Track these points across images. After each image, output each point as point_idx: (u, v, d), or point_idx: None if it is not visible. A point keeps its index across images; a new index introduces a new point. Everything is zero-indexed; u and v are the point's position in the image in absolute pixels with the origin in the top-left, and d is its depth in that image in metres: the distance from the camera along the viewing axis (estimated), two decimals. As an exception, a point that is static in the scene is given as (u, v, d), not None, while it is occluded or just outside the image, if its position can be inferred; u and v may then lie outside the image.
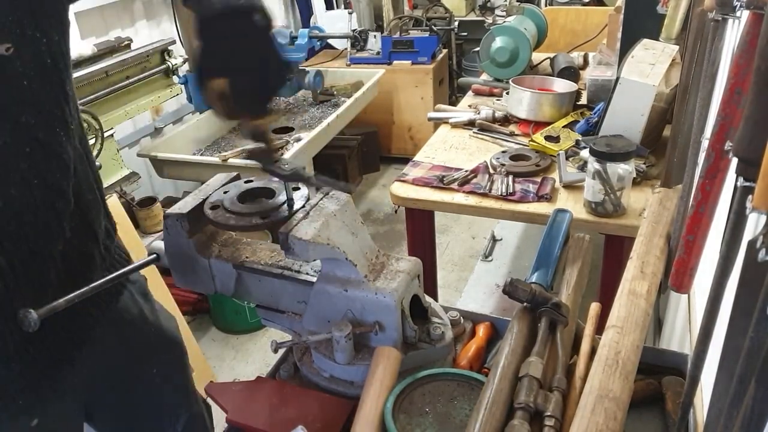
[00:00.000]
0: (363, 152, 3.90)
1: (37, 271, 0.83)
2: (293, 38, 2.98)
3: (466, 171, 1.76)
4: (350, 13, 3.76)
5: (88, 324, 0.96)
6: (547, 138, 1.84)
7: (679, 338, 1.54)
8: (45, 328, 0.80)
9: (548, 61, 2.56)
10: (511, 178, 1.69)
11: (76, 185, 0.88)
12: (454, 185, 1.69)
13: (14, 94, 0.77)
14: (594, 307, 0.92)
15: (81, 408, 1.04)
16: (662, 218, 1.03)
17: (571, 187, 1.65)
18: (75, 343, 0.94)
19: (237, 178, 1.00)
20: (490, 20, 2.56)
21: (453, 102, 4.28)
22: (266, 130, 0.85)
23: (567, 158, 1.73)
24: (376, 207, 3.66)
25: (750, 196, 0.45)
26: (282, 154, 2.47)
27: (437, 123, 2.20)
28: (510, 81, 2.09)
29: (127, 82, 2.53)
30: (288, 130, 2.83)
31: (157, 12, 2.99)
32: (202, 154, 2.74)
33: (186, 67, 2.80)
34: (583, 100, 2.13)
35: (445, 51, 4.10)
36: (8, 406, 0.88)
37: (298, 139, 2.62)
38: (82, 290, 0.85)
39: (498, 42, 2.34)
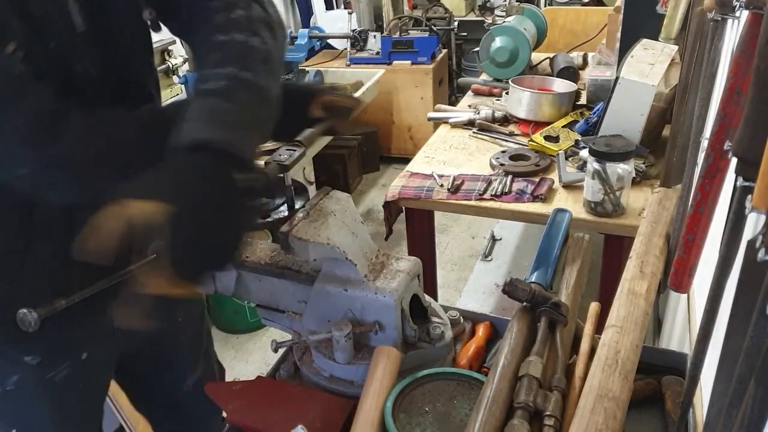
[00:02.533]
0: (363, 152, 3.90)
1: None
2: (293, 38, 2.98)
3: (447, 176, 1.75)
4: (350, 14, 3.76)
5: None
6: (547, 138, 1.85)
7: (678, 338, 1.54)
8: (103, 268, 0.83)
9: (548, 61, 2.56)
10: (510, 178, 1.69)
11: None
12: (444, 193, 1.68)
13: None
14: (593, 307, 0.92)
15: (116, 355, 1.13)
16: (662, 218, 1.03)
17: (571, 186, 1.65)
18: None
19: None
20: (489, 20, 2.56)
21: (453, 102, 4.28)
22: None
23: (566, 158, 1.73)
24: (376, 207, 3.66)
25: (749, 196, 0.45)
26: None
27: (437, 123, 2.20)
28: (509, 81, 2.09)
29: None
30: (288, 130, 2.83)
31: (157, 12, 2.99)
32: (201, 154, 2.74)
33: (186, 67, 2.80)
34: (583, 100, 2.13)
35: (444, 51, 4.10)
36: (70, 335, 0.97)
37: (298, 139, 2.62)
38: (83, 290, 0.85)
39: (497, 42, 2.34)
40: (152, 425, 1.45)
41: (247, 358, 2.56)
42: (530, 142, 1.85)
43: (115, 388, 1.36)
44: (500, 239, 3.16)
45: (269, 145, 2.51)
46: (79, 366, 1.04)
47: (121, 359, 1.17)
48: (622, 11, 1.94)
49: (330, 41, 3.83)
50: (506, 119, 2.09)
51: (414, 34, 3.98)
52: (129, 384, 1.32)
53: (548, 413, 0.68)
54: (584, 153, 1.68)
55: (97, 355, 1.07)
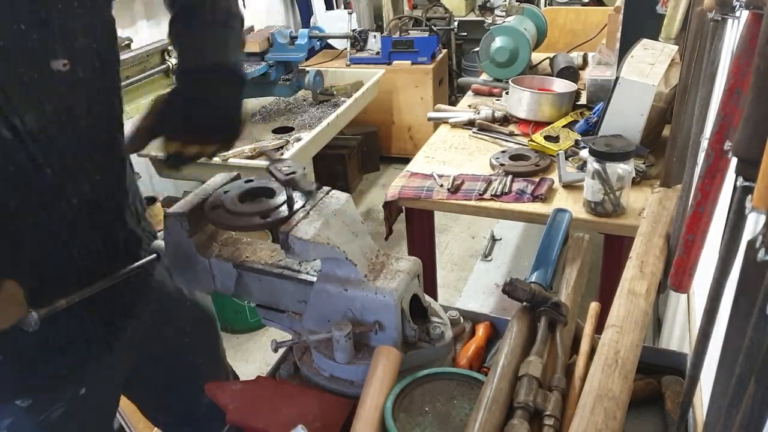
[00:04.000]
0: (363, 152, 3.90)
1: (105, 252, 0.93)
2: (293, 38, 2.98)
3: (447, 176, 1.75)
4: (350, 13, 3.76)
5: (132, 295, 1.03)
6: (547, 138, 1.85)
7: (678, 338, 1.54)
8: (94, 299, 0.90)
9: (548, 61, 2.56)
10: (510, 178, 1.69)
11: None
12: (444, 193, 1.68)
13: (80, 102, 0.85)
14: (593, 307, 0.92)
15: (122, 379, 1.12)
16: (662, 218, 1.03)
17: (571, 186, 1.65)
18: (121, 314, 1.02)
19: (237, 178, 1.00)
20: (489, 20, 2.56)
21: (453, 102, 4.28)
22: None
23: (566, 158, 1.73)
24: (376, 207, 3.66)
25: (749, 196, 0.45)
26: (282, 154, 2.47)
27: (437, 123, 2.20)
28: (509, 81, 2.09)
29: (127, 81, 2.53)
30: (288, 130, 2.83)
31: (157, 12, 2.99)
32: (201, 154, 2.74)
33: (186, 66, 2.79)
34: (583, 100, 2.13)
35: (444, 51, 4.10)
36: (61, 375, 0.97)
37: (298, 139, 2.62)
38: (83, 290, 0.86)
39: (498, 42, 2.34)
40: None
41: (247, 358, 2.56)
42: (530, 142, 1.85)
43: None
44: (500, 239, 3.16)
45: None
46: (77, 402, 1.01)
47: (129, 382, 1.14)
48: (622, 11, 1.94)
49: (330, 41, 3.83)
50: (506, 119, 2.09)
51: (414, 34, 3.97)
52: (143, 401, 1.30)
53: (548, 413, 0.68)
54: (584, 153, 1.68)
55: (97, 388, 1.04)
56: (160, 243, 0.98)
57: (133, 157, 1.05)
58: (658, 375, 0.90)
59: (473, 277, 2.92)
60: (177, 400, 1.27)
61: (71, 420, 1.00)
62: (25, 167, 0.79)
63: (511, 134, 1.99)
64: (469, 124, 2.10)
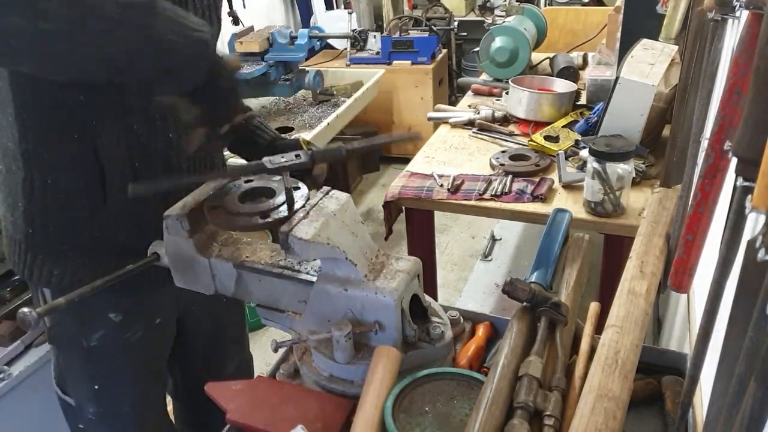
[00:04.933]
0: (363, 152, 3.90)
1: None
2: (293, 38, 2.97)
3: (447, 176, 1.75)
4: (350, 13, 3.77)
5: None
6: (547, 138, 1.85)
7: (678, 338, 1.54)
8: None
9: (548, 61, 2.56)
10: (510, 178, 1.69)
11: None
12: (444, 193, 1.68)
13: None
14: (593, 307, 0.92)
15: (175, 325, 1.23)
16: (661, 218, 1.03)
17: (571, 186, 1.65)
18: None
19: (237, 177, 1.00)
20: (489, 20, 2.56)
21: (453, 102, 4.28)
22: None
23: (566, 158, 1.73)
24: (376, 207, 3.66)
25: (749, 196, 0.45)
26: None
27: (437, 123, 2.20)
28: (509, 81, 2.09)
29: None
30: (288, 130, 2.83)
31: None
32: (201, 154, 2.74)
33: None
34: (583, 100, 2.13)
35: (444, 51, 4.10)
36: (147, 298, 1.10)
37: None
38: (83, 289, 0.86)
39: (497, 42, 2.35)
40: (182, 415, 1.50)
41: (247, 358, 2.56)
42: (530, 142, 1.85)
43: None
44: (500, 239, 3.16)
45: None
46: (152, 329, 1.13)
47: (179, 335, 1.24)
48: (622, 11, 1.94)
49: (330, 41, 3.83)
50: (506, 119, 2.09)
51: (414, 34, 3.97)
52: (181, 366, 1.38)
53: (548, 413, 0.68)
54: (584, 153, 1.68)
55: (166, 322, 1.17)
56: (159, 243, 0.98)
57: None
58: (658, 375, 0.90)
59: (473, 277, 2.92)
60: (208, 365, 1.35)
61: (144, 346, 1.13)
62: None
63: (511, 134, 1.99)
64: (469, 124, 2.10)
